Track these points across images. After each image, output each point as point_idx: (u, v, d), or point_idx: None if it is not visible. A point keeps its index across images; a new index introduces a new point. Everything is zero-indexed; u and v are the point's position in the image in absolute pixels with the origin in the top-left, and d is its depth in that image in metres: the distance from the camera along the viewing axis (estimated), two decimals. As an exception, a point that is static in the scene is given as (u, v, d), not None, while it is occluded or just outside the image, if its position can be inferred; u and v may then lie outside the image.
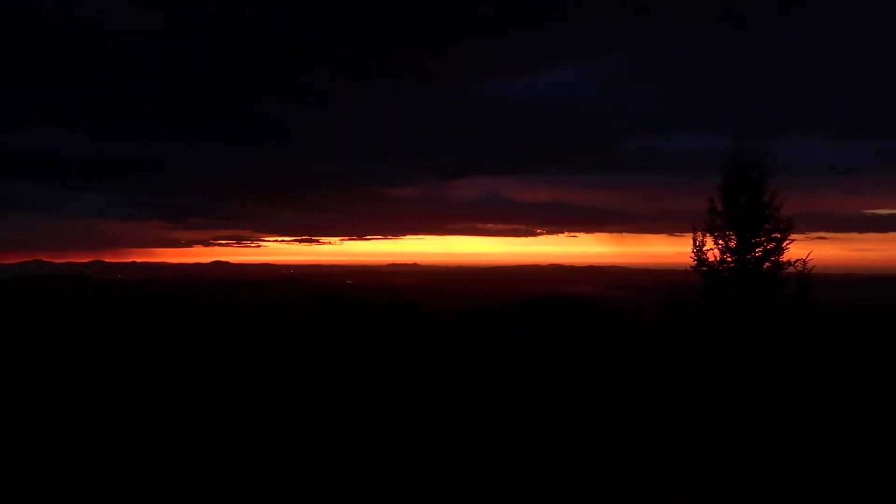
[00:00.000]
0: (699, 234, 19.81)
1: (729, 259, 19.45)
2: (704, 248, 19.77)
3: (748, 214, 19.20)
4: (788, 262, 18.75)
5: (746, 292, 19.09)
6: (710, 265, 19.68)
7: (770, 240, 18.99)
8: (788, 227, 18.91)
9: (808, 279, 18.48)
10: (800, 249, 18.77)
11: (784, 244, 18.86)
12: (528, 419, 8.20)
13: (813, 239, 19.69)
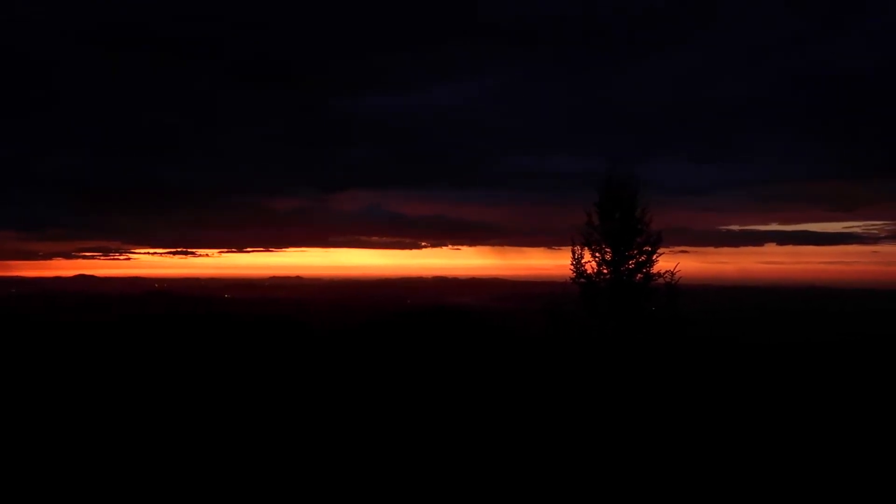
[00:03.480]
0: (577, 247, 20.79)
1: (605, 271, 20.53)
2: (582, 261, 20.76)
3: (622, 229, 20.36)
4: (658, 274, 20.05)
5: (621, 301, 20.20)
6: (588, 276, 20.68)
7: (641, 252, 20.24)
8: (658, 241, 20.25)
9: (676, 289, 19.86)
10: (667, 262, 20.16)
11: (654, 257, 20.16)
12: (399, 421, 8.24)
13: (677, 252, 21.26)
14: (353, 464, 6.02)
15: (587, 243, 20.74)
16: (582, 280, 20.74)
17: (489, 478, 5.82)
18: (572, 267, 20.86)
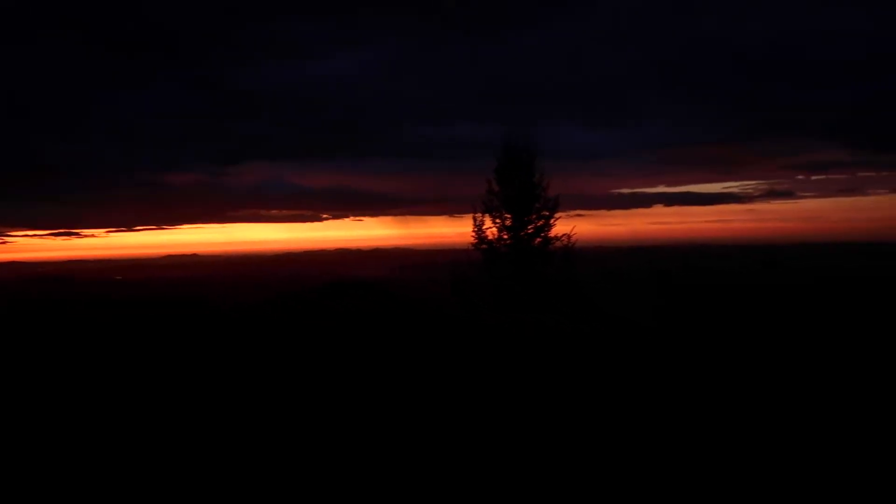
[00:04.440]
0: (479, 214, 21.28)
1: (505, 236, 21.16)
2: (484, 227, 21.30)
3: (521, 195, 20.99)
4: (556, 237, 20.87)
5: (522, 265, 20.92)
6: (489, 242, 21.25)
7: (540, 217, 20.97)
8: (555, 206, 21.04)
9: (572, 252, 20.77)
10: (564, 226, 21.02)
11: (552, 221, 20.96)
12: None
13: (572, 216, 22.25)
14: (271, 450, 6.03)
15: (488, 210, 21.27)
16: (483, 246, 21.29)
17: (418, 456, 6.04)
18: (474, 234, 21.38)
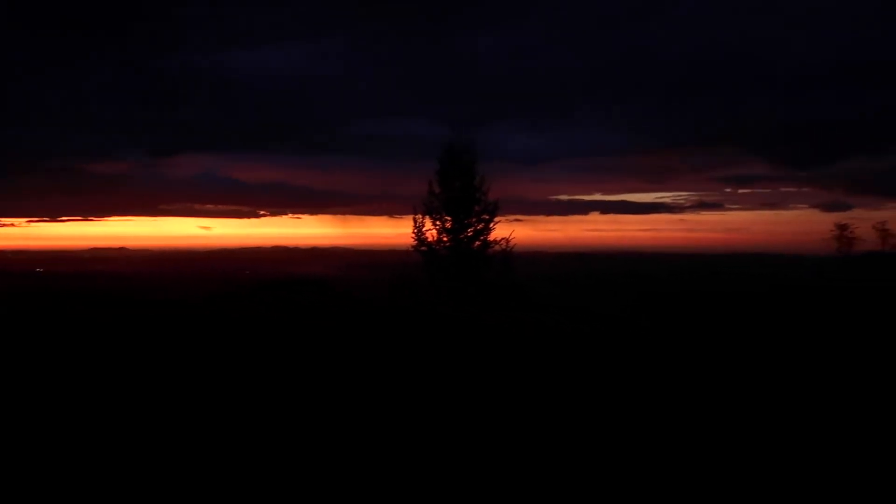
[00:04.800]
0: (419, 215, 21.21)
1: (445, 238, 21.16)
2: (424, 229, 21.25)
3: (462, 197, 21.04)
4: (495, 241, 21.00)
5: (461, 268, 20.96)
6: (429, 244, 21.21)
7: (480, 221, 21.07)
8: (495, 210, 21.18)
9: (511, 255, 20.95)
10: (503, 230, 21.19)
11: (492, 225, 21.08)
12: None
13: (511, 221, 22.40)
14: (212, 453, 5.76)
15: (428, 212, 21.22)
16: (423, 248, 21.25)
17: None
18: (414, 235, 21.30)
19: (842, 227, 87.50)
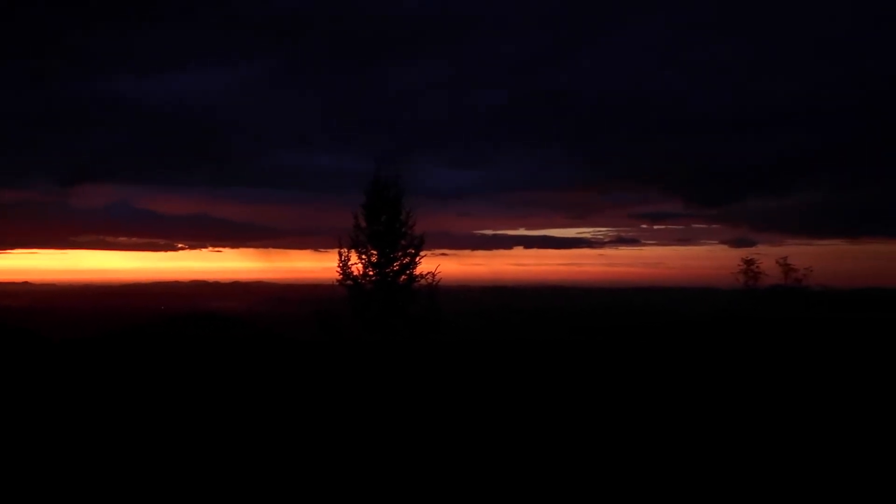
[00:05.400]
0: (345, 249, 20.97)
1: (371, 273, 20.96)
2: (349, 263, 20.98)
3: (388, 232, 20.97)
4: (421, 275, 20.97)
5: (387, 302, 20.78)
6: (355, 279, 20.95)
7: (406, 255, 21.01)
8: (421, 244, 21.18)
9: (436, 290, 20.96)
10: (429, 264, 21.19)
11: (417, 259, 21.05)
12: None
13: (437, 255, 22.37)
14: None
15: (354, 245, 21.01)
16: (349, 282, 20.96)
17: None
18: (339, 269, 21.00)
19: (748, 262, 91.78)
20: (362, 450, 7.88)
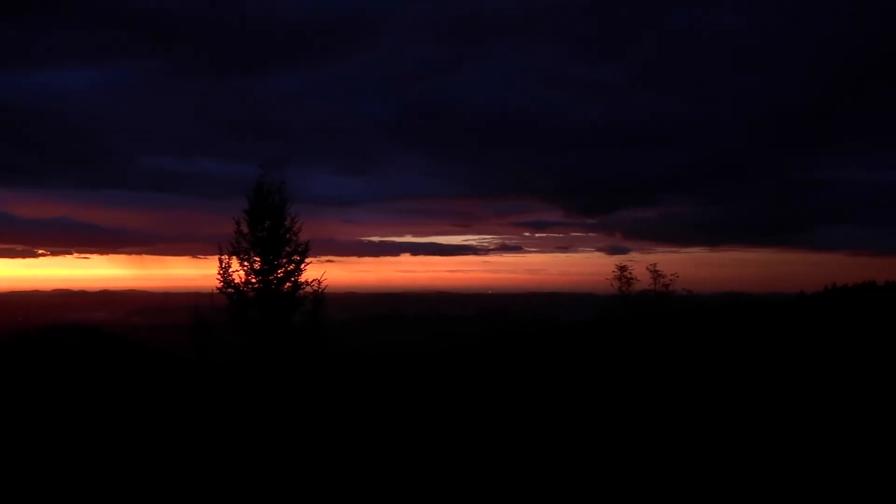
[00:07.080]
0: (225, 256, 20.18)
1: (254, 280, 20.30)
2: (230, 270, 20.21)
3: (271, 238, 20.40)
4: (306, 283, 20.55)
5: (269, 312, 20.19)
6: (236, 286, 20.21)
7: (290, 262, 20.52)
8: (306, 251, 20.76)
9: (322, 298, 20.62)
10: (314, 271, 20.81)
11: (302, 266, 20.61)
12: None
13: (323, 262, 21.98)
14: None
15: (235, 252, 20.28)
16: (230, 290, 20.19)
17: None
18: (220, 277, 20.19)
19: (622, 269, 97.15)
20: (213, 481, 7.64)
